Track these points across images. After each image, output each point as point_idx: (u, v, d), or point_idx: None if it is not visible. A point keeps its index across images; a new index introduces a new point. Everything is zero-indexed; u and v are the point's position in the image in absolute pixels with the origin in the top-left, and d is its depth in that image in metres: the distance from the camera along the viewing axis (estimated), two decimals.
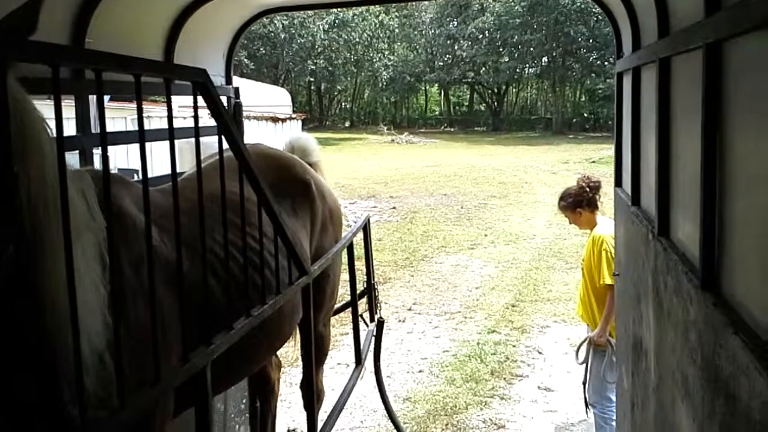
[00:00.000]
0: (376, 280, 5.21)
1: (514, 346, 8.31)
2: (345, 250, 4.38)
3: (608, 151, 25.63)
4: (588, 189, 5.52)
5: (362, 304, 4.98)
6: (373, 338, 5.06)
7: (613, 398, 5.29)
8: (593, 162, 27.77)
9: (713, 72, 2.23)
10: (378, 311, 5.15)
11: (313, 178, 4.12)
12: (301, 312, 3.57)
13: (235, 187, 2.67)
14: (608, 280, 5.19)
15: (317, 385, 4.42)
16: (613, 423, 5.29)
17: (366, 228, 4.93)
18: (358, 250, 4.95)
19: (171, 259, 2.44)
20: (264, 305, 2.68)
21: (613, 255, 5.13)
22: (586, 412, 5.70)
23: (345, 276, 4.70)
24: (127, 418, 1.77)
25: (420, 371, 7.62)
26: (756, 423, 1.70)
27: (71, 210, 1.61)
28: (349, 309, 4.83)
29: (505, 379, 7.35)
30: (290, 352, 7.47)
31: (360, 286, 4.98)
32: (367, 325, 5.13)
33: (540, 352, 8.12)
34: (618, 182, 4.99)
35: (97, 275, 2.02)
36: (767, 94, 1.82)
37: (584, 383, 5.55)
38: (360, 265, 5.08)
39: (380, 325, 5.08)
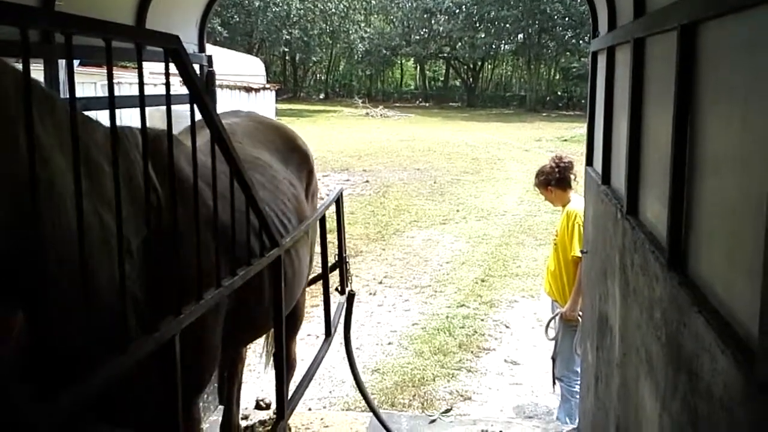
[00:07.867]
0: (347, 253, 5.21)
1: (482, 320, 8.41)
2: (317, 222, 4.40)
3: (580, 129, 25.81)
4: (559, 168, 5.60)
5: (333, 277, 4.99)
6: (344, 311, 5.07)
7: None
8: (565, 140, 27.97)
9: (687, 54, 2.25)
10: (349, 284, 5.16)
11: (308, 150, 4.57)
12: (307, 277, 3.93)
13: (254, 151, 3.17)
14: (578, 252, 5.29)
15: (290, 356, 4.44)
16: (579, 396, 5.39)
17: (339, 201, 4.92)
18: (330, 223, 4.94)
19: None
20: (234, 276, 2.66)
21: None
22: (553, 387, 5.81)
23: (317, 248, 4.70)
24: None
25: (389, 343, 7.68)
26: (717, 400, 1.75)
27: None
28: (320, 282, 4.83)
29: (472, 352, 7.44)
30: None
31: (331, 260, 4.98)
32: (341, 295, 5.14)
33: (507, 326, 8.23)
34: (589, 161, 5.03)
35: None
36: (739, 77, 1.84)
37: (553, 359, 5.65)
38: (332, 237, 5.07)
39: (351, 298, 5.10)
